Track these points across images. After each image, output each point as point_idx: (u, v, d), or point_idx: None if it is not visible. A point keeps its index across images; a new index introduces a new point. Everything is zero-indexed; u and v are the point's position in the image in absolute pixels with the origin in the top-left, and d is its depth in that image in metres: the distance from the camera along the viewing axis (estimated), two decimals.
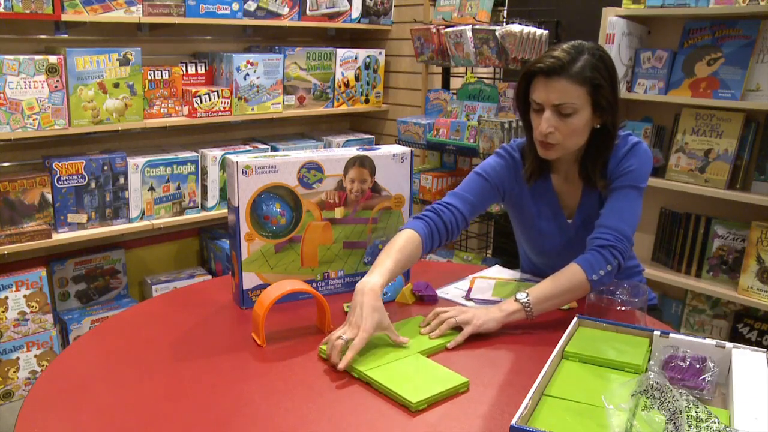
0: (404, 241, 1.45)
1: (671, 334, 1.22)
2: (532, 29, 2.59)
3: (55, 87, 2.43)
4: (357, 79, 3.32)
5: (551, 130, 1.45)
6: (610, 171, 1.53)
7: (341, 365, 1.21)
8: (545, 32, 2.60)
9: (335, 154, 1.54)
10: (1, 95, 2.32)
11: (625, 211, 1.47)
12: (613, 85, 1.46)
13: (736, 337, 2.48)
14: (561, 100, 1.43)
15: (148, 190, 2.74)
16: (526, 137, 1.61)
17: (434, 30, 2.96)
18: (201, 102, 2.80)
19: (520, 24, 2.63)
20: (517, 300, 1.40)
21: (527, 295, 1.40)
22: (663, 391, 1.01)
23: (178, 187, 2.82)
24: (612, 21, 2.50)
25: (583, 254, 1.45)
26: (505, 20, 3.02)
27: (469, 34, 2.78)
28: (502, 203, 1.69)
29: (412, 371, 1.22)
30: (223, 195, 2.95)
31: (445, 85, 3.29)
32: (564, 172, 1.61)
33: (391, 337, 1.30)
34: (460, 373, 1.21)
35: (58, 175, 2.50)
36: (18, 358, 2.51)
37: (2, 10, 2.28)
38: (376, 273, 1.35)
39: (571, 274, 1.42)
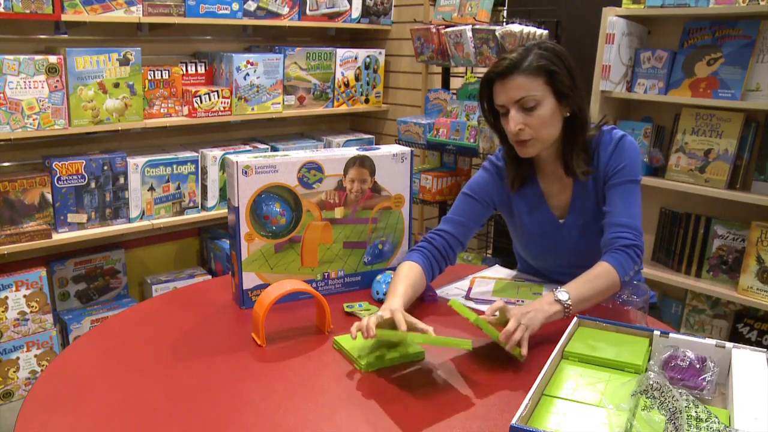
0: (408, 269, 1.49)
1: (671, 334, 1.22)
2: (532, 29, 2.59)
3: (55, 87, 2.43)
4: (357, 79, 3.32)
5: (521, 127, 1.46)
6: (602, 167, 1.54)
7: (372, 333, 1.23)
8: (545, 32, 2.60)
9: (335, 154, 1.54)
10: (1, 95, 2.32)
11: (632, 208, 1.49)
12: (568, 70, 1.48)
13: (736, 337, 2.48)
14: (520, 95, 1.45)
15: (148, 190, 2.74)
16: (502, 146, 1.62)
17: (434, 30, 2.96)
18: (201, 102, 2.80)
19: (520, 24, 2.63)
20: (558, 300, 1.35)
21: (569, 297, 1.35)
22: (663, 391, 1.01)
23: (178, 187, 2.82)
24: (612, 21, 2.50)
25: (611, 253, 1.44)
26: (505, 20, 3.02)
27: (469, 34, 2.78)
28: (496, 211, 1.70)
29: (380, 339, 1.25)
30: (223, 195, 2.95)
31: (445, 85, 3.29)
32: (549, 172, 1.61)
33: (418, 326, 1.28)
34: (461, 372, 1.21)
35: (58, 175, 2.50)
36: (18, 358, 2.51)
37: (2, 10, 2.28)
38: (392, 298, 1.38)
39: (607, 275, 1.40)
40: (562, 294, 1.35)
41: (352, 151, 1.57)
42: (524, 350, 1.26)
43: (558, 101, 1.48)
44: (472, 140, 2.83)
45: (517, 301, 1.58)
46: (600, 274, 1.41)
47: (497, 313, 1.32)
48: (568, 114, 1.51)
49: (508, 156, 1.61)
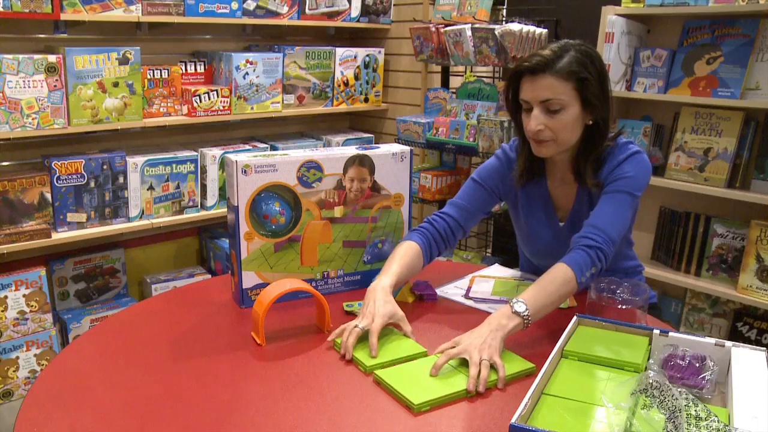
0: (405, 249, 1.52)
1: (671, 333, 1.22)
2: (532, 28, 2.59)
3: (54, 86, 2.43)
4: (356, 77, 3.32)
5: (540, 128, 1.45)
6: (606, 175, 1.51)
7: (348, 356, 1.27)
8: (544, 31, 2.60)
9: (335, 153, 1.54)
10: (1, 94, 2.32)
11: (616, 216, 1.44)
12: (601, 80, 1.45)
13: (736, 336, 2.48)
14: (547, 97, 1.42)
15: (148, 190, 2.74)
16: (518, 138, 1.61)
17: (433, 29, 2.96)
18: (200, 101, 2.80)
19: (519, 23, 2.63)
20: (516, 313, 1.28)
21: (526, 308, 1.29)
22: (662, 390, 1.01)
23: (178, 186, 2.82)
24: (611, 20, 2.50)
25: (571, 253, 1.41)
26: (504, 19, 3.02)
27: (469, 33, 2.78)
28: (502, 203, 1.70)
29: (422, 373, 1.21)
30: (223, 194, 2.95)
31: (445, 84, 3.29)
32: (560, 175, 1.61)
33: (404, 328, 1.35)
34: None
35: (58, 174, 2.49)
36: (17, 358, 2.51)
37: (1, 9, 2.28)
38: (384, 275, 1.42)
39: (563, 278, 1.36)
40: (520, 305, 1.29)
41: (352, 150, 1.56)
42: (501, 378, 1.19)
43: (583, 108, 1.45)
44: (471, 139, 2.83)
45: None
46: (555, 278, 1.36)
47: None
48: (590, 122, 1.49)
49: (521, 151, 1.60)
